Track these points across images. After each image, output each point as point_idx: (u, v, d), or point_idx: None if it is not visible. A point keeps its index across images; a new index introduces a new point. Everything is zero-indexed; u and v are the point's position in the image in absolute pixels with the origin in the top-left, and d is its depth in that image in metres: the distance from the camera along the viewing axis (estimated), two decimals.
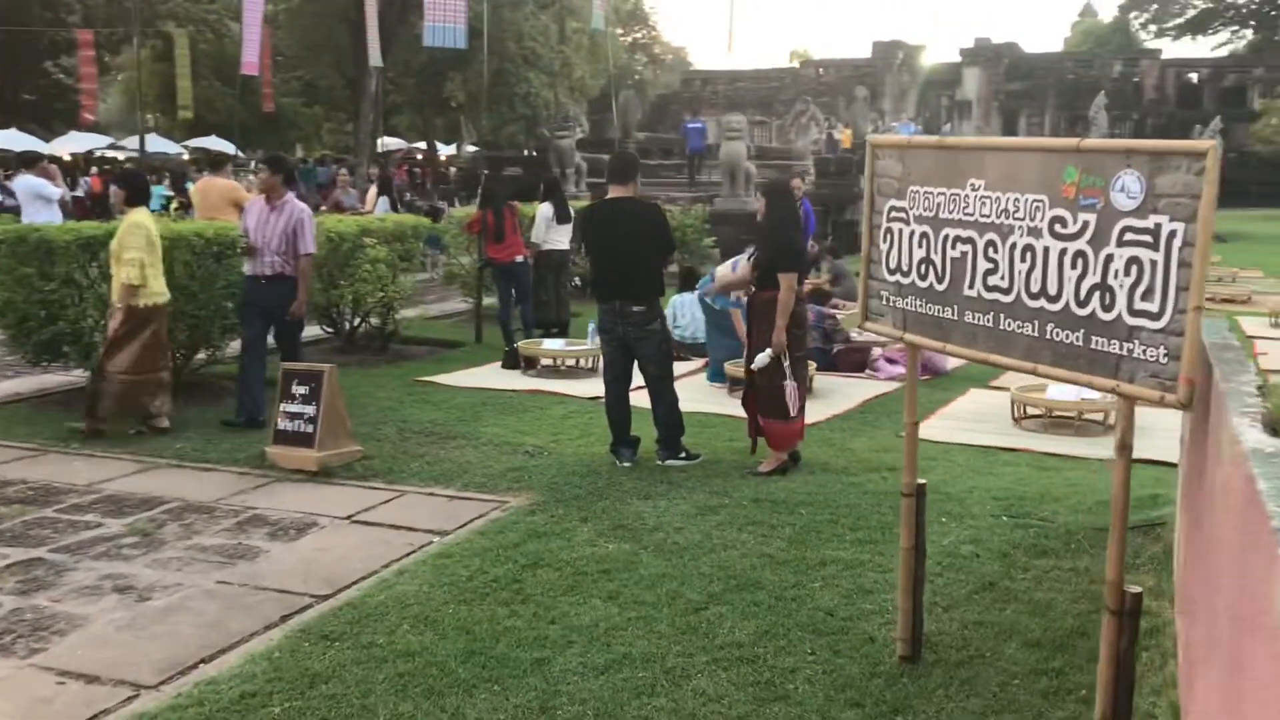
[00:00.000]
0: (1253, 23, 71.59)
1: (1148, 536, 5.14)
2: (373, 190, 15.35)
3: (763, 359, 6.65)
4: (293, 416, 6.81)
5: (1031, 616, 4.35)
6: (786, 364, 6.62)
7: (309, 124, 47.10)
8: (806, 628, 4.29)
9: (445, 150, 48.84)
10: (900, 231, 3.83)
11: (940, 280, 3.65)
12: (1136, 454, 7.47)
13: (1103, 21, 76.98)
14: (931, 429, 8.03)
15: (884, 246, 3.92)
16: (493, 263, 11.44)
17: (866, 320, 4.07)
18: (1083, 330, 3.15)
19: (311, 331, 11.33)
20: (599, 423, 8.02)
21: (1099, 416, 8.18)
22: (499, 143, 44.13)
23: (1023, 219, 3.32)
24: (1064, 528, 5.35)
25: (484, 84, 40.21)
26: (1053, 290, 3.23)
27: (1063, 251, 3.19)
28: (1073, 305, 3.17)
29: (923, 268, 3.73)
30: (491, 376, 9.99)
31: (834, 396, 9.18)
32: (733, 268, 8.57)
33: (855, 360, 10.33)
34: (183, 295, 8.24)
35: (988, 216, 3.45)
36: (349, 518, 5.86)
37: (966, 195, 3.51)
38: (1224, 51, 70.28)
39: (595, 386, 9.42)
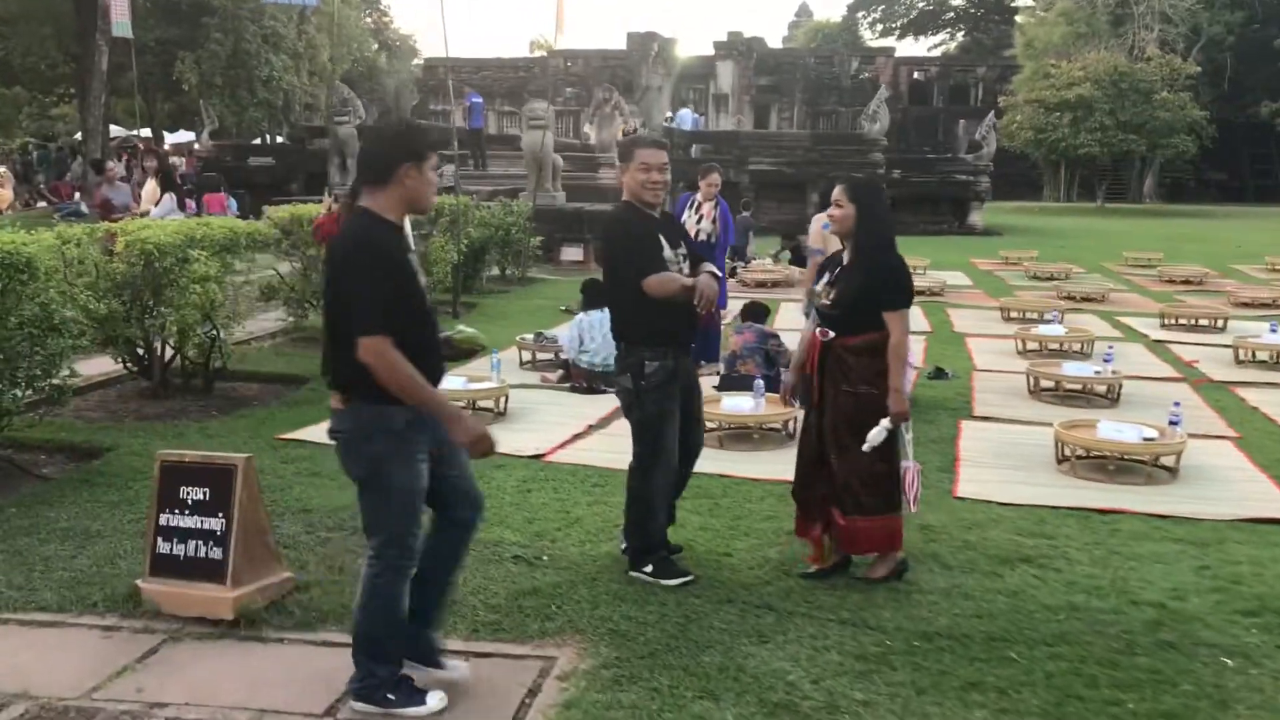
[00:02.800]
0: (964, 25, 75.97)
1: None
2: (150, 185, 12.44)
3: (878, 435, 4.73)
4: (183, 535, 4.47)
5: None
6: (909, 437, 4.84)
7: (7, 107, 41.57)
8: None
9: (172, 138, 44.13)
10: None
11: None
12: (1227, 511, 6.20)
13: (829, 21, 79.15)
14: (976, 484, 6.50)
15: None
16: None
17: None
18: None
19: (104, 367, 8.70)
20: (576, 497, 6.07)
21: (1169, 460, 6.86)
22: (236, 129, 40.23)
23: None
24: None
25: (220, 64, 36.65)
26: None
27: None
28: None
29: None
30: None
31: None
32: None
33: None
34: None
35: None
36: (329, 714, 3.68)
37: None
38: (938, 52, 74.16)
39: (524, 438, 7.41)
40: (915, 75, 63.79)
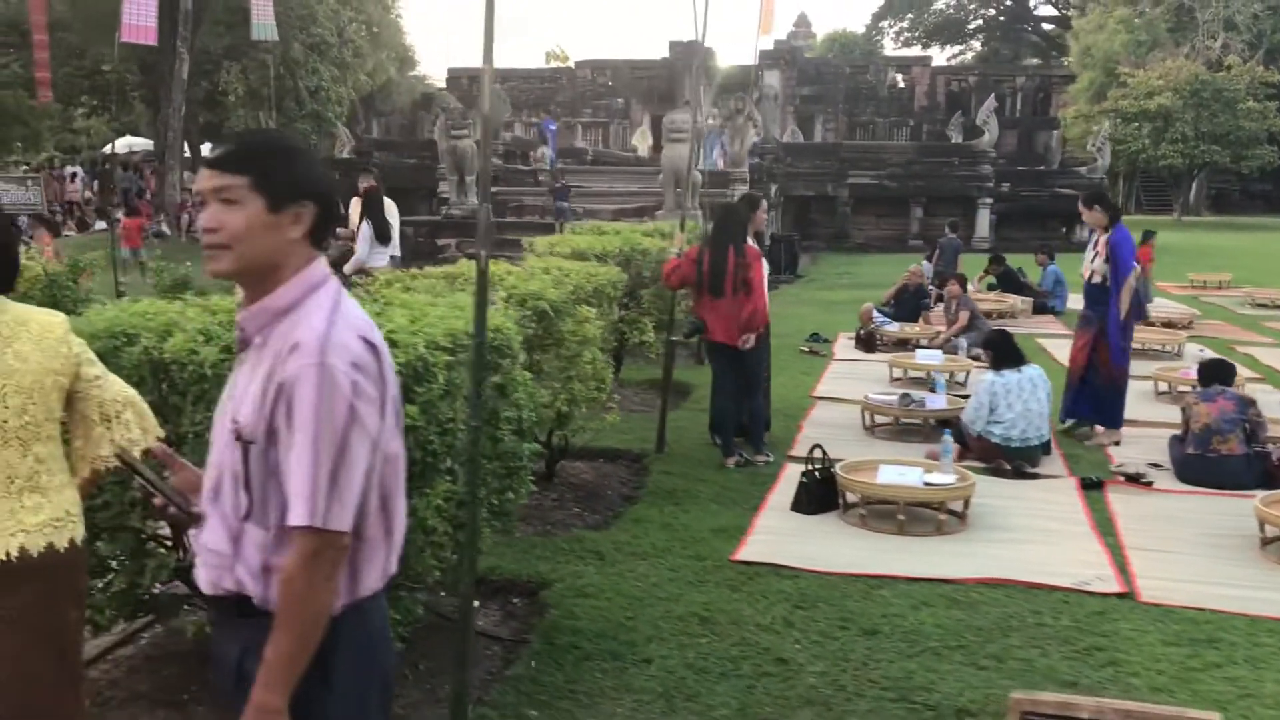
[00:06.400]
0: (990, 34, 74.87)
1: None
2: (354, 208, 10.50)
3: None
4: None
5: None
6: None
7: (37, 119, 39.42)
8: None
9: (206, 152, 42.07)
10: None
11: None
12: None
13: (846, 30, 77.48)
14: None
15: None
16: (705, 334, 7.27)
17: None
18: None
19: None
20: None
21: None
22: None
23: None
24: None
25: (268, 74, 34.74)
26: None
27: None
28: None
29: None
30: (834, 538, 5.88)
31: None
32: None
33: None
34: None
35: None
36: None
37: None
38: (956, 62, 72.78)
39: (1046, 557, 5.56)
40: (951, 85, 62.35)
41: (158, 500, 2.14)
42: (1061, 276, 15.06)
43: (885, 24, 74.44)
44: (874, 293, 15.50)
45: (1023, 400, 7.24)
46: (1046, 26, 73.23)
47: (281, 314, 2.06)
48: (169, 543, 3.86)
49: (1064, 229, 29.49)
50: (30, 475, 2.70)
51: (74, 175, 32.02)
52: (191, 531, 2.19)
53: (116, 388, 2.86)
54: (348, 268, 9.96)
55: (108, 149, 39.89)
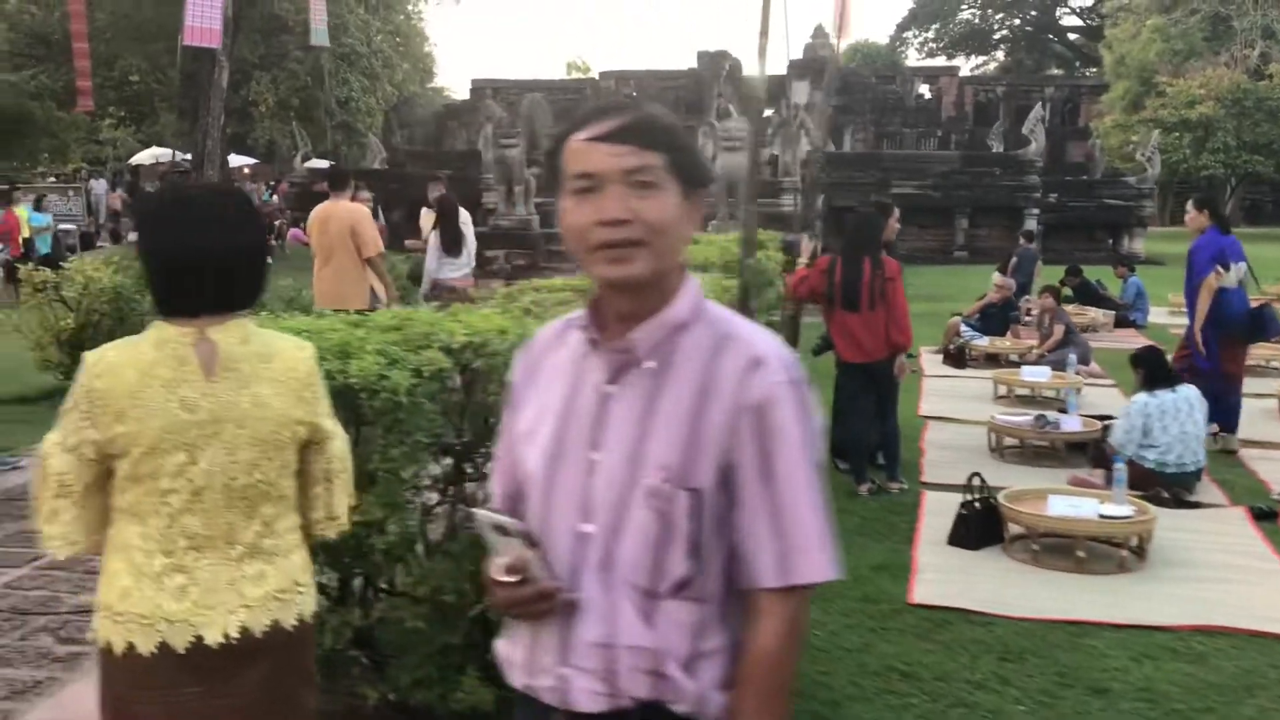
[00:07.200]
0: (1016, 44, 74.37)
1: None
2: (425, 219, 10.04)
3: None
4: None
5: None
6: None
7: (64, 130, 39.17)
8: None
9: (236, 161, 41.75)
10: None
11: None
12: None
13: (869, 41, 76.97)
14: None
15: None
16: (831, 350, 6.75)
17: None
18: None
19: None
20: None
21: None
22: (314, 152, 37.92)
23: None
24: None
25: (298, 85, 34.46)
26: None
27: None
28: None
29: None
30: (1007, 577, 5.35)
31: None
32: None
33: None
34: None
35: None
36: None
37: None
38: (978, 73, 72.29)
39: (1256, 597, 5.01)
40: (979, 96, 61.78)
41: (545, 586, 1.59)
42: (1143, 288, 14.51)
43: (909, 34, 73.93)
44: (939, 305, 14.99)
45: (1179, 423, 6.70)
46: (1072, 37, 72.63)
47: (681, 329, 1.61)
48: (333, 595, 3.37)
49: (1110, 239, 28.96)
50: (255, 540, 2.21)
51: (115, 186, 31.76)
52: (534, 624, 1.65)
53: (339, 444, 2.37)
54: (423, 286, 9.47)
55: (149, 160, 39.61)
